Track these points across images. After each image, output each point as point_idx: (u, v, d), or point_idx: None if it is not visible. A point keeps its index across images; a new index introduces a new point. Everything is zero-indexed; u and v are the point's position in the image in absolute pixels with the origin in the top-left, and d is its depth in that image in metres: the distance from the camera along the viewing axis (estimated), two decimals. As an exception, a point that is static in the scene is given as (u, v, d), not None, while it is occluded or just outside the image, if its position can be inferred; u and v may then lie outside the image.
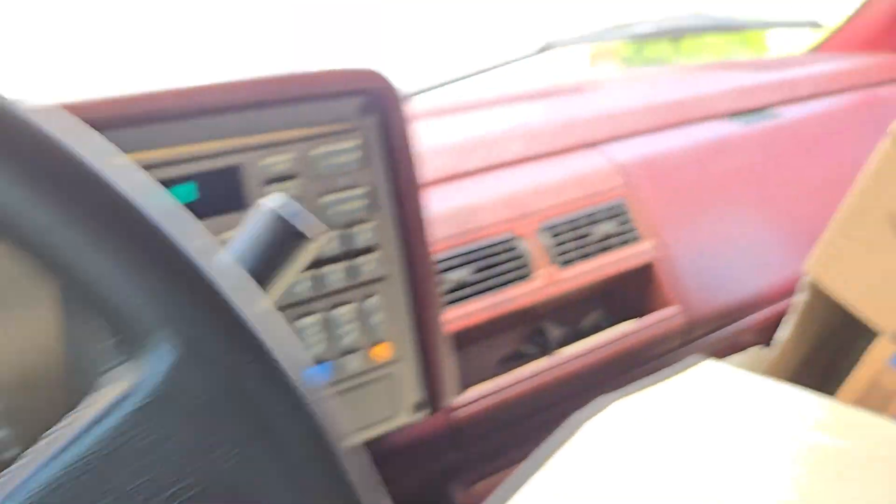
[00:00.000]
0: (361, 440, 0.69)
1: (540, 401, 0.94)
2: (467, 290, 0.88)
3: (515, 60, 1.36)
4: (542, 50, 1.37)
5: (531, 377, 0.92)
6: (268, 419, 0.22)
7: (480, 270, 0.90)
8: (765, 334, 1.14)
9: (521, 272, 0.92)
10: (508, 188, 0.96)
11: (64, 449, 0.21)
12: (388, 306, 0.69)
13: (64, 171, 0.21)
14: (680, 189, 1.07)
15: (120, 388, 0.22)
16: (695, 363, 0.87)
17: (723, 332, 1.10)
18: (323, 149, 0.64)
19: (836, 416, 0.79)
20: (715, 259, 1.06)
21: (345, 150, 0.65)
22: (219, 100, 0.57)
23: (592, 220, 0.98)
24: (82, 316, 0.23)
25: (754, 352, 1.19)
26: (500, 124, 1.07)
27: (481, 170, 0.99)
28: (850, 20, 1.60)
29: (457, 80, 1.21)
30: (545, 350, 0.99)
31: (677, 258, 1.02)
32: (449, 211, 0.90)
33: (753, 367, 1.10)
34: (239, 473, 0.22)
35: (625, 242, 1.00)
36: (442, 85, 1.19)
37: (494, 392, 0.90)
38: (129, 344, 0.22)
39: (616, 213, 1.00)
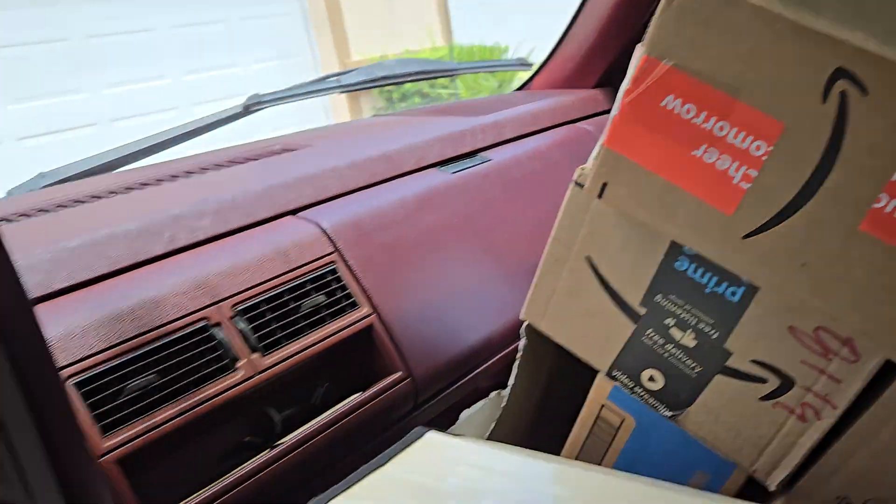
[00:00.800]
0: None
1: (268, 497, 0.84)
2: (156, 397, 0.77)
3: (218, 121, 1.27)
4: (247, 108, 1.29)
5: (257, 473, 0.82)
6: None
7: (171, 371, 0.79)
8: (501, 377, 1.14)
9: (220, 365, 0.82)
10: (198, 273, 0.86)
11: None
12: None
13: None
14: (393, 247, 1.04)
15: None
16: (418, 436, 0.82)
17: (459, 384, 1.08)
18: None
19: (555, 470, 0.78)
20: (436, 314, 1.03)
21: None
22: None
23: (299, 294, 0.91)
24: None
25: (494, 396, 1.19)
26: (188, 199, 0.97)
27: (165, 255, 0.88)
28: (548, 60, 1.70)
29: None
30: (271, 436, 0.89)
31: (395, 321, 0.98)
32: (125, 308, 0.78)
33: (493, 412, 1.09)
34: None
35: (339, 312, 0.94)
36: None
37: (216, 499, 0.79)
38: None
39: (325, 282, 0.94)
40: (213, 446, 0.87)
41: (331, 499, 0.71)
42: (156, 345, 0.79)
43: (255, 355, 0.85)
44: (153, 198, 1.01)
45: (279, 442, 0.88)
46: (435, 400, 1.02)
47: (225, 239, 0.93)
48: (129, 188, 1.09)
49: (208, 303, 0.84)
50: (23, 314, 0.55)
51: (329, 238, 0.98)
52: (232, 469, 0.83)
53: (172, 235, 0.90)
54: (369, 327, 0.96)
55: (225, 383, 0.82)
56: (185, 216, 0.93)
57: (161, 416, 0.76)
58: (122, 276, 0.84)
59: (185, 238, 0.91)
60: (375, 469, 0.76)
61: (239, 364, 0.83)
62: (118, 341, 0.76)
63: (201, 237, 0.92)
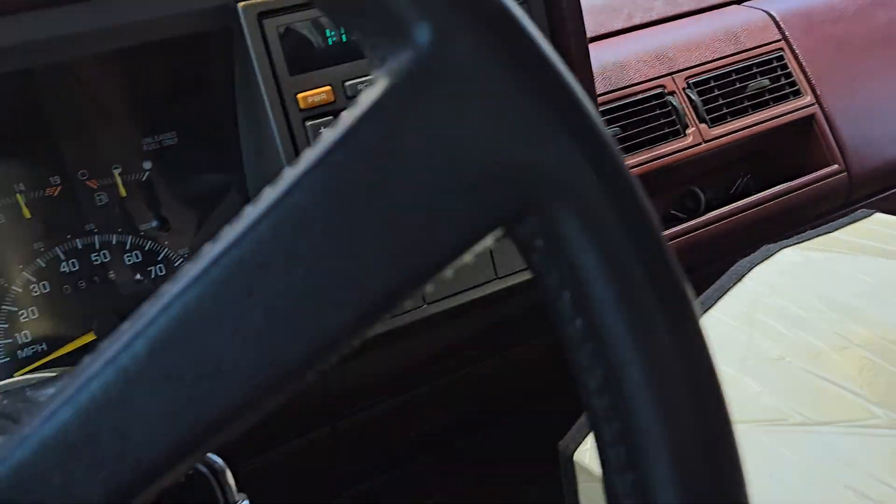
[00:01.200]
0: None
1: (691, 260, 0.93)
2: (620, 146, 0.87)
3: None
4: None
5: (684, 235, 0.91)
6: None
7: (631, 127, 0.88)
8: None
9: (672, 128, 0.90)
10: (656, 45, 0.93)
11: (329, 148, 0.22)
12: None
13: None
14: (841, 41, 1.00)
15: (379, 88, 0.23)
16: (865, 216, 0.83)
17: (891, 193, 1.04)
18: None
19: None
20: (882, 115, 0.99)
21: None
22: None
23: (745, 75, 0.94)
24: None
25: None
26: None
27: (627, 29, 0.96)
28: None
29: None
30: (696, 213, 0.97)
31: (838, 114, 0.97)
32: (597, 69, 0.88)
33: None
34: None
35: (781, 98, 0.95)
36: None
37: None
38: (389, 36, 0.22)
39: (771, 68, 0.95)
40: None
41: (783, 248, 0.76)
42: (620, 102, 0.88)
43: (703, 125, 0.91)
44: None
45: (702, 217, 0.94)
46: (866, 201, 1.01)
47: (676, 21, 0.98)
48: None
49: (665, 72, 0.91)
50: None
51: (777, 25, 0.98)
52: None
53: (630, 13, 0.98)
54: (810, 117, 0.96)
55: (676, 146, 0.89)
56: (642, -3, 1.00)
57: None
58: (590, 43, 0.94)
59: (640, 17, 0.98)
60: (824, 233, 0.79)
61: (689, 131, 0.90)
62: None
63: (654, 17, 0.98)
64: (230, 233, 0.22)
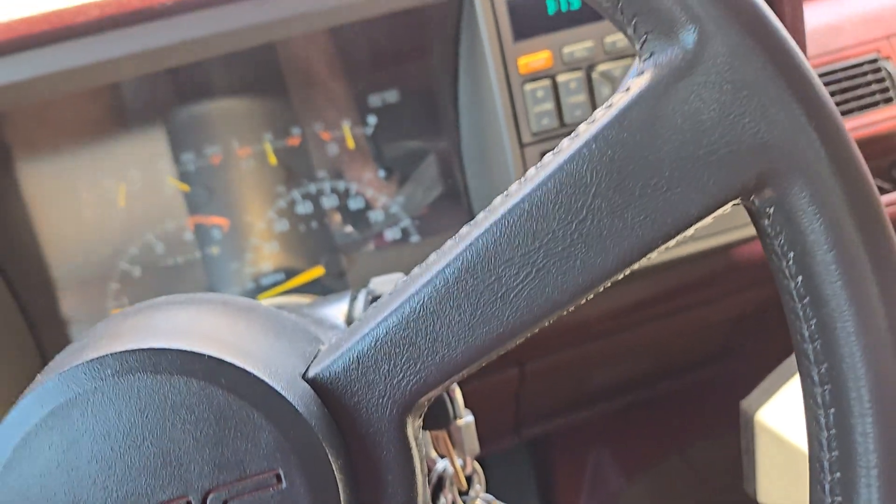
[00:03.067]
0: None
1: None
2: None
3: None
4: None
5: (889, 206, 0.87)
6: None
7: (840, 93, 0.85)
8: None
9: (884, 95, 0.86)
10: (874, 7, 0.89)
11: (606, 125, 0.27)
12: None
13: None
14: None
15: (648, 77, 0.27)
16: None
17: None
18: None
19: None
20: None
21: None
22: None
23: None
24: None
25: None
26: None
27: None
28: None
29: None
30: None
31: None
32: (809, 31, 0.86)
33: None
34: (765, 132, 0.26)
35: None
36: None
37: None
38: (658, 35, 0.27)
39: None
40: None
41: None
42: (831, 67, 0.86)
43: (923, 91, 0.86)
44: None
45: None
46: None
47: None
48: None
49: (881, 35, 0.87)
50: None
51: None
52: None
53: (847, -29, 0.93)
54: None
55: (887, 113, 0.86)
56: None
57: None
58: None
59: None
60: None
61: (904, 97, 0.86)
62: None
63: (874, -25, 0.93)
64: (519, 190, 0.27)
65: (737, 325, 0.96)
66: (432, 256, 0.28)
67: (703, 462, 1.05)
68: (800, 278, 0.27)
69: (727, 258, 0.78)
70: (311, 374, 0.28)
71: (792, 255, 0.27)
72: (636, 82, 0.27)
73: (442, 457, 0.49)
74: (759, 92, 0.26)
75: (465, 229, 0.28)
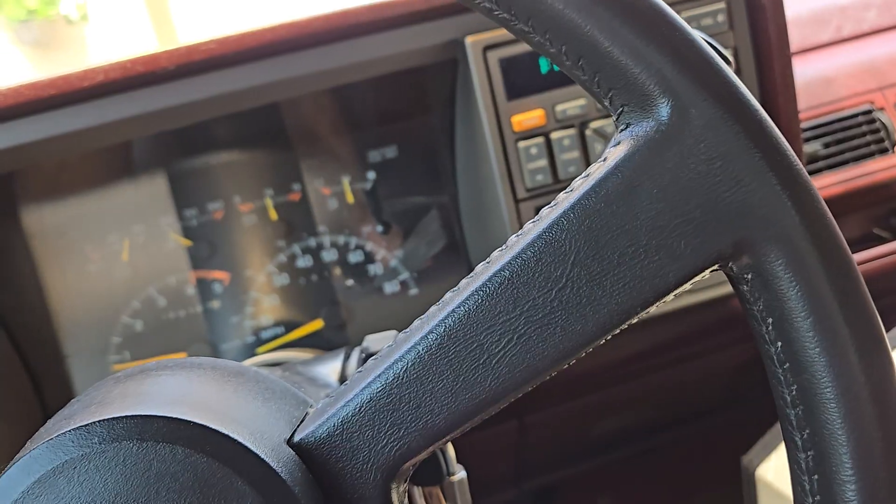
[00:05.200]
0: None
1: (894, 282, 0.89)
2: (820, 164, 0.86)
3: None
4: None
5: (888, 255, 0.88)
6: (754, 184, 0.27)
7: (835, 144, 0.86)
8: None
9: (880, 146, 0.87)
10: (866, 59, 0.90)
11: (583, 195, 0.28)
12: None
13: None
14: None
15: (624, 148, 0.28)
16: None
17: None
18: (690, 13, 0.66)
19: None
20: None
21: (710, 13, 0.67)
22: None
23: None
24: (594, 89, 0.29)
25: None
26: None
27: (835, 41, 0.94)
28: None
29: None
30: (899, 234, 0.93)
31: None
32: (801, 83, 0.87)
33: None
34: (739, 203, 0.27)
35: None
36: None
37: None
38: (634, 108, 0.28)
39: None
40: (843, 230, 0.94)
41: None
42: (825, 119, 0.87)
43: (916, 142, 0.87)
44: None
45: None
46: None
47: (891, 31, 0.94)
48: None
49: (875, 87, 0.88)
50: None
51: None
52: (858, 251, 0.89)
53: (839, 25, 0.95)
54: None
55: (883, 164, 0.87)
56: (851, 7, 0.97)
57: (823, 182, 0.85)
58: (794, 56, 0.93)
59: (850, 28, 0.95)
60: None
61: (898, 148, 0.87)
62: (792, 111, 0.86)
63: (866, 29, 0.95)
64: (500, 258, 0.28)
65: (738, 376, 0.95)
66: (416, 322, 0.29)
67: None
68: (779, 344, 0.28)
69: (725, 309, 0.78)
70: (296, 438, 0.29)
71: (771, 320, 0.28)
72: (613, 153, 0.28)
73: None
74: (733, 162, 0.27)
75: (448, 295, 0.29)
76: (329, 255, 0.77)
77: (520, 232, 0.28)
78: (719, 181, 0.27)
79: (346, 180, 0.76)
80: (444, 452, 0.46)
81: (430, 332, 0.28)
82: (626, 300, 0.27)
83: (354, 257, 0.77)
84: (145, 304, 0.75)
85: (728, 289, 0.72)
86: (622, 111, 0.28)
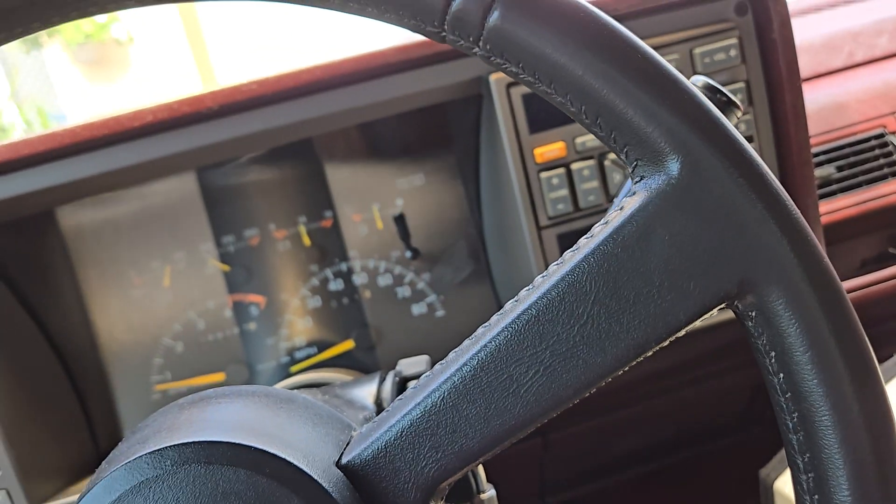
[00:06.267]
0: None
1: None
2: (833, 187, 0.88)
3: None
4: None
5: (902, 277, 0.89)
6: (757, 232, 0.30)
7: (848, 167, 0.89)
8: None
9: (892, 169, 0.89)
10: (879, 84, 0.93)
11: (602, 240, 0.31)
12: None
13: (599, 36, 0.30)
14: None
15: (639, 198, 0.31)
16: None
17: None
18: (704, 48, 0.69)
19: None
20: None
21: (723, 48, 0.70)
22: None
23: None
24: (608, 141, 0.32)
25: None
26: (865, 18, 1.02)
27: (848, 67, 0.96)
28: None
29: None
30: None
31: None
32: (814, 109, 0.90)
33: None
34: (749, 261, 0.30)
35: None
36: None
37: (855, 289, 0.90)
38: (647, 162, 0.31)
39: None
40: (856, 251, 0.96)
41: None
42: (837, 143, 0.89)
43: (930, 165, 0.89)
44: (830, 16, 1.09)
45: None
46: None
47: (903, 56, 0.97)
48: None
49: (888, 112, 0.90)
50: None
51: None
52: (872, 272, 0.91)
53: (851, 51, 0.98)
54: None
55: (895, 187, 0.89)
56: (864, 33, 0.99)
57: (836, 205, 0.88)
58: (807, 82, 0.95)
59: (862, 54, 0.98)
60: None
61: (912, 171, 0.89)
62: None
63: (878, 54, 0.97)
64: (527, 297, 0.31)
65: (755, 394, 0.97)
66: (451, 355, 0.32)
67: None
68: (781, 375, 0.31)
69: (741, 330, 0.80)
70: (344, 460, 0.32)
71: (773, 354, 0.31)
72: (629, 202, 0.31)
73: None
74: (737, 210, 0.30)
75: (480, 330, 0.32)
76: (359, 279, 0.80)
77: (544, 273, 0.32)
78: (725, 228, 0.30)
79: (375, 207, 0.80)
80: (474, 472, 0.49)
81: (465, 364, 0.31)
82: (641, 335, 0.31)
83: (383, 280, 0.80)
84: (185, 327, 0.79)
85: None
86: (636, 165, 0.31)
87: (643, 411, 0.91)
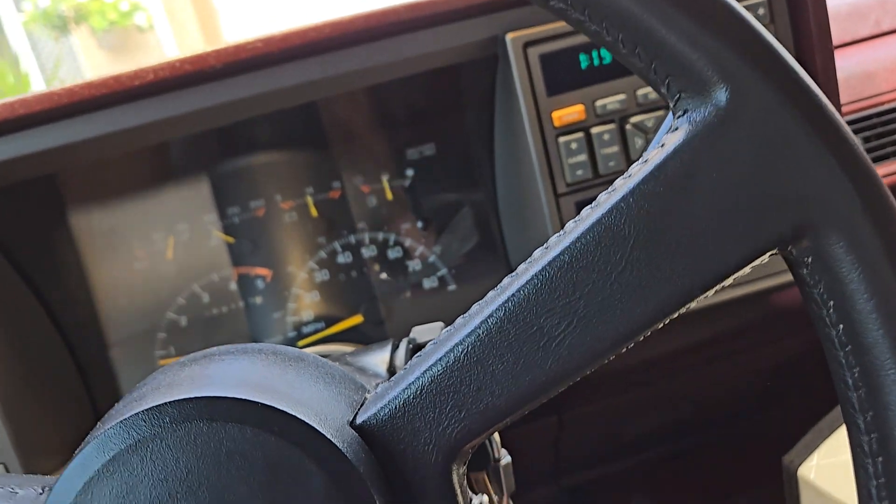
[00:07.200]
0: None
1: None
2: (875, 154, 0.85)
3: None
4: None
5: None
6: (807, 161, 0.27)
7: (875, 138, 0.85)
8: None
9: (922, 140, 0.86)
10: (908, 52, 0.89)
11: (642, 179, 0.28)
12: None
13: None
14: None
15: (682, 133, 0.28)
16: None
17: None
18: (730, 7, 0.66)
19: None
20: None
21: (751, 6, 0.67)
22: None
23: None
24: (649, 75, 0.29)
25: None
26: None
27: (875, 35, 0.93)
28: None
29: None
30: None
31: None
32: (841, 78, 0.86)
33: None
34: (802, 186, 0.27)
35: None
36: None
37: None
38: (692, 94, 0.28)
39: None
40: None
41: None
42: (865, 113, 0.86)
43: (960, 136, 0.86)
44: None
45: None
46: None
47: (933, 24, 0.93)
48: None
49: (917, 81, 0.87)
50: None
51: None
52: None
53: (878, 19, 0.94)
54: None
55: (925, 158, 0.85)
56: (891, 0, 0.95)
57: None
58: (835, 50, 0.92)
59: (889, 22, 0.94)
60: None
61: (942, 142, 0.86)
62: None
63: (906, 22, 0.94)
64: (559, 242, 0.28)
65: (774, 375, 0.94)
66: (474, 307, 0.30)
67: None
68: (841, 326, 0.28)
69: (762, 306, 0.77)
70: (358, 421, 0.29)
71: (832, 303, 0.28)
72: (671, 138, 0.28)
73: (476, 493, 0.49)
74: (793, 146, 0.27)
75: (506, 280, 0.29)
76: (368, 252, 0.78)
77: (577, 218, 0.29)
78: (779, 164, 0.27)
79: (385, 178, 0.77)
80: (490, 438, 0.47)
81: (490, 316, 0.28)
82: (685, 283, 0.28)
83: (393, 254, 0.78)
84: (189, 301, 0.76)
85: (764, 284, 0.71)
86: (679, 97, 0.28)
87: (660, 392, 0.88)
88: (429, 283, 0.78)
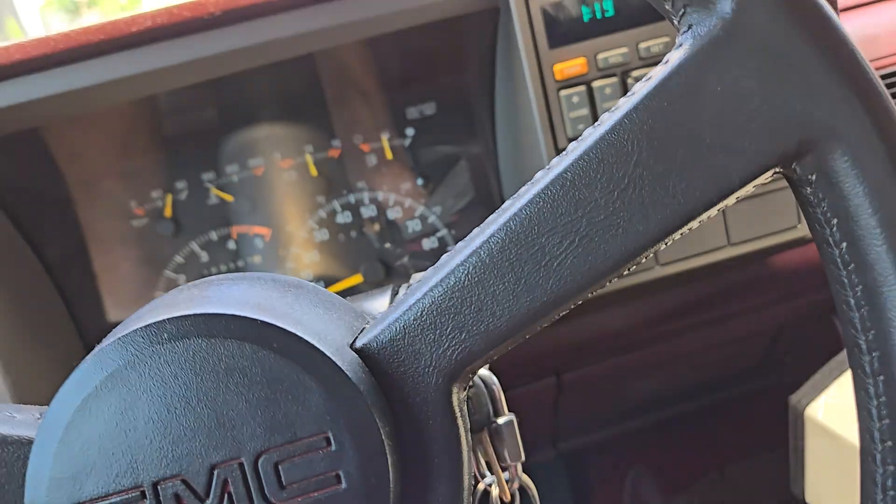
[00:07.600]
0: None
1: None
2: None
3: None
4: None
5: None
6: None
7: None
8: None
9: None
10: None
11: (645, 95, 0.27)
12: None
13: None
14: None
15: (686, 48, 0.28)
16: None
17: None
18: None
19: None
20: None
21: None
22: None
23: None
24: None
25: None
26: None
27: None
28: None
29: None
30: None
31: None
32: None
33: None
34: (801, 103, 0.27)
35: None
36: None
37: None
38: (696, 7, 0.27)
39: None
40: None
41: None
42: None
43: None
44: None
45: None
46: None
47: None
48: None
49: (921, 44, 0.86)
50: None
51: None
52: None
53: (883, -17, 0.93)
54: None
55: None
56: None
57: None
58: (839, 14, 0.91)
59: (894, -14, 0.93)
60: None
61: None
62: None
63: (911, -14, 0.93)
64: (560, 162, 0.28)
65: (775, 338, 0.94)
66: (475, 230, 0.29)
67: (742, 480, 1.03)
68: (844, 245, 0.28)
69: (763, 267, 0.77)
70: (358, 344, 0.29)
71: (835, 221, 0.28)
72: (675, 54, 0.28)
73: (484, 475, 0.49)
74: (798, 59, 0.26)
75: (508, 202, 0.29)
76: (368, 211, 0.77)
77: (581, 137, 0.28)
78: (784, 79, 0.27)
79: (384, 137, 0.76)
80: (494, 397, 0.46)
81: (492, 236, 0.28)
82: (689, 200, 0.27)
83: (393, 213, 0.77)
84: (188, 259, 0.76)
85: (764, 244, 0.70)
86: (684, 12, 0.28)
87: (660, 354, 0.88)
88: (428, 243, 0.78)
